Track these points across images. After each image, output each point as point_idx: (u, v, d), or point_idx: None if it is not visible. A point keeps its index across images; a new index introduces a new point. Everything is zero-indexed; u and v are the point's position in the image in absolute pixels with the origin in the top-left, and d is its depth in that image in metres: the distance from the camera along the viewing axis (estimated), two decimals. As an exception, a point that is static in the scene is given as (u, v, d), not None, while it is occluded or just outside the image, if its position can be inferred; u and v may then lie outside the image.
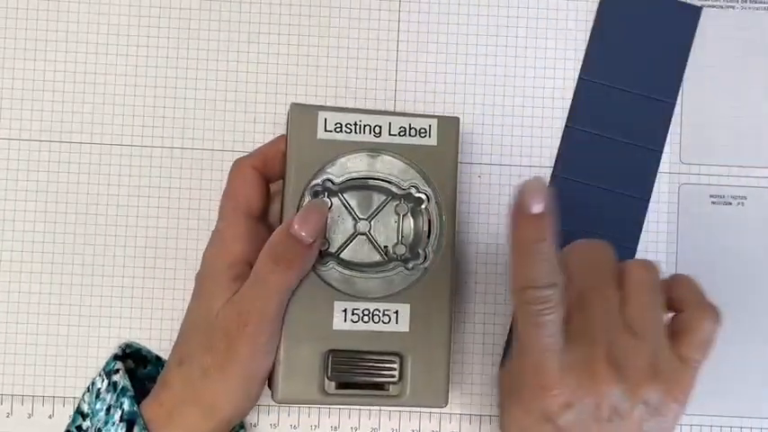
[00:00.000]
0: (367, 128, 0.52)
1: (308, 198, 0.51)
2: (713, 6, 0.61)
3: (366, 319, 0.51)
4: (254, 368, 0.50)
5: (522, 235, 0.45)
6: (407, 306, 0.52)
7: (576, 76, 0.61)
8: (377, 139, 0.52)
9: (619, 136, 0.60)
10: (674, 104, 0.60)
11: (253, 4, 0.60)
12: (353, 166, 0.52)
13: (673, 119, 0.60)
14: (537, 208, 0.44)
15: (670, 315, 0.50)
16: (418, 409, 0.59)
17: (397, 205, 0.53)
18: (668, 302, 0.49)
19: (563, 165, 0.60)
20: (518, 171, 0.60)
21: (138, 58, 0.60)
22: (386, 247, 0.53)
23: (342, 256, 0.52)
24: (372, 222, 0.53)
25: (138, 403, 0.51)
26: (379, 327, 0.52)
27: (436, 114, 0.53)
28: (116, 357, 0.55)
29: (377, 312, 0.52)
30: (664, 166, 0.60)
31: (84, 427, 0.54)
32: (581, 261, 0.49)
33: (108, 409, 0.52)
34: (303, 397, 0.51)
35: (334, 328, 0.51)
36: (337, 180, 0.52)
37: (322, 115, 0.52)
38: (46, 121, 0.59)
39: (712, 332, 0.48)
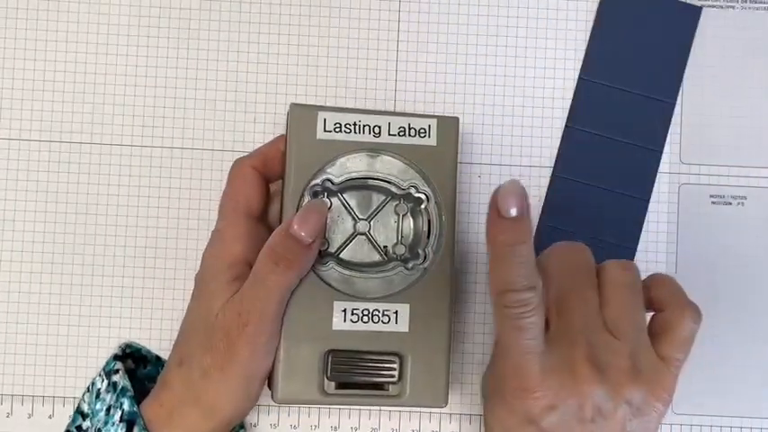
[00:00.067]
0: (366, 128, 0.52)
1: (307, 198, 0.51)
2: (713, 6, 0.61)
3: (366, 319, 0.51)
4: (253, 368, 0.50)
5: (499, 238, 0.45)
6: (407, 306, 0.52)
7: (576, 76, 0.61)
8: (376, 140, 0.52)
9: (619, 136, 0.60)
10: (674, 104, 0.60)
11: (253, 4, 0.60)
12: (353, 166, 0.52)
13: (673, 119, 0.60)
14: (514, 211, 0.44)
15: (650, 315, 0.50)
16: (418, 409, 0.59)
17: (396, 205, 0.53)
18: (648, 302, 0.50)
19: (563, 165, 0.60)
20: (518, 171, 0.60)
21: (138, 58, 0.60)
22: (385, 247, 0.53)
23: (341, 256, 0.52)
24: (372, 222, 0.53)
25: (138, 403, 0.51)
26: (379, 327, 0.52)
27: (436, 114, 0.53)
28: (116, 357, 0.55)
29: (376, 312, 0.52)
30: (664, 166, 0.60)
31: (84, 427, 0.54)
32: (560, 264, 0.50)
33: (108, 410, 0.52)
34: (303, 397, 0.51)
35: (333, 328, 0.51)
36: (337, 180, 0.52)
37: (321, 115, 0.52)
38: (46, 121, 0.59)
39: (693, 331, 0.48)
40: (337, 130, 0.52)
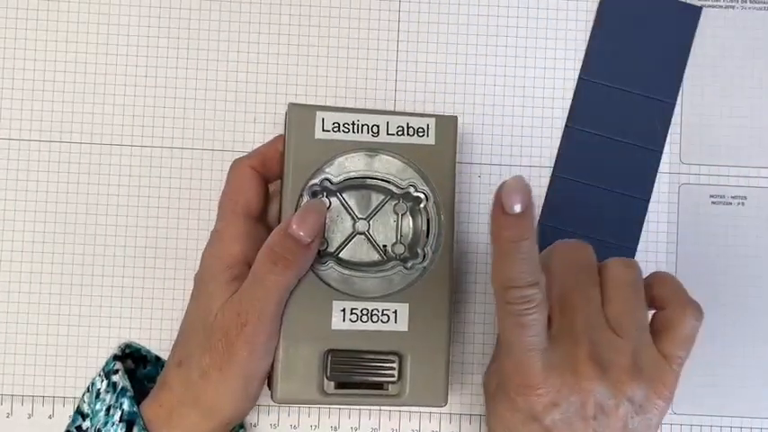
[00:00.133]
0: (365, 127, 0.52)
1: (306, 198, 0.51)
2: (713, 6, 0.61)
3: (365, 318, 0.51)
4: (253, 368, 0.50)
5: (503, 234, 0.45)
6: (406, 305, 0.52)
7: (576, 76, 0.61)
8: (375, 139, 0.52)
9: (619, 136, 0.60)
10: (674, 104, 0.60)
11: (253, 4, 0.60)
12: (352, 165, 0.52)
13: (673, 119, 0.60)
14: (518, 207, 0.44)
15: (652, 313, 0.50)
16: (418, 408, 0.59)
17: (395, 204, 0.53)
18: (650, 300, 0.50)
19: (563, 165, 0.60)
20: (518, 171, 0.60)
21: (138, 58, 0.60)
22: (384, 246, 0.53)
23: (340, 255, 0.52)
24: (371, 222, 0.53)
25: (138, 403, 0.51)
26: (378, 326, 0.52)
27: (434, 113, 0.53)
28: (116, 357, 0.55)
29: (376, 312, 0.52)
30: (664, 166, 0.60)
31: (84, 428, 0.54)
32: (562, 261, 0.50)
33: (108, 410, 0.52)
34: (302, 397, 0.51)
35: (333, 327, 0.51)
36: (335, 180, 0.52)
37: (320, 115, 0.52)
38: (46, 121, 0.59)
39: (694, 328, 0.48)
40: (336, 129, 0.52)
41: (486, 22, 0.61)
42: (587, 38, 0.61)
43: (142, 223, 0.59)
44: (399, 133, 0.52)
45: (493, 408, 0.49)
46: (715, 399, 0.59)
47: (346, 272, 0.52)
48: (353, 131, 0.52)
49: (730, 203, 0.60)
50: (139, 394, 0.52)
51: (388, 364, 0.52)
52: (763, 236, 0.60)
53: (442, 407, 0.53)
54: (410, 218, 0.53)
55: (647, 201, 0.60)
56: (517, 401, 0.47)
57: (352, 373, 0.52)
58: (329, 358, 0.51)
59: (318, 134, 0.52)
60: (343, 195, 0.53)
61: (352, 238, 0.53)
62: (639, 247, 0.60)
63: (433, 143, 0.53)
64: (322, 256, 0.51)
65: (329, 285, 0.51)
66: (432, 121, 0.53)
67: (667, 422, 0.59)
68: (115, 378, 0.53)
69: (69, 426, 0.54)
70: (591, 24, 0.61)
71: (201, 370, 0.50)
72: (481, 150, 0.60)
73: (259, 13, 0.60)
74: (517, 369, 0.47)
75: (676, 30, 0.60)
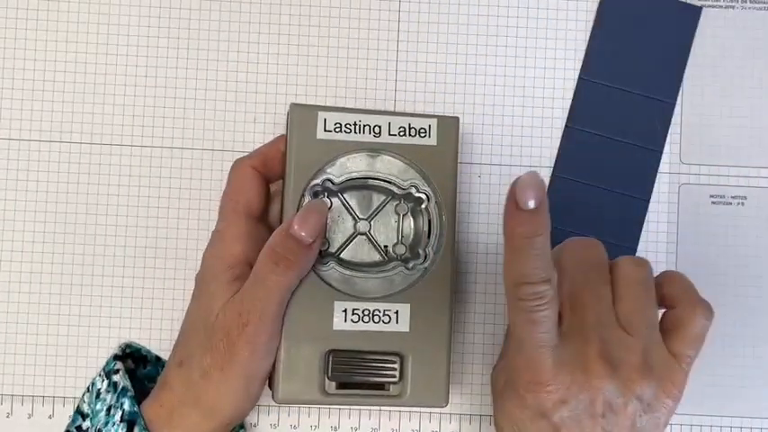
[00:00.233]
0: (367, 128, 0.52)
1: (307, 198, 0.51)
2: (713, 6, 0.61)
3: (366, 319, 0.51)
4: (254, 368, 0.50)
5: (516, 230, 0.45)
6: (407, 306, 0.52)
7: (576, 76, 0.61)
8: (377, 139, 0.52)
9: (619, 136, 0.60)
10: (674, 104, 0.60)
11: (253, 4, 0.60)
12: (353, 165, 0.52)
13: (673, 119, 0.60)
14: (531, 203, 0.43)
15: (662, 311, 0.50)
16: (418, 409, 0.59)
17: (397, 205, 0.53)
18: (660, 299, 0.50)
19: (563, 165, 0.60)
20: (518, 171, 0.60)
21: (138, 58, 0.60)
22: (386, 246, 0.53)
23: (342, 256, 0.52)
24: (372, 222, 0.53)
25: (139, 403, 0.51)
26: (380, 327, 0.52)
27: (436, 114, 0.53)
28: (116, 357, 0.55)
29: (377, 312, 0.52)
30: (664, 166, 0.60)
31: (85, 428, 0.54)
32: (573, 259, 0.50)
33: (108, 410, 0.52)
34: (303, 397, 0.51)
35: (334, 328, 0.51)
36: (337, 180, 0.52)
37: (322, 115, 0.52)
38: (46, 121, 0.59)
39: (704, 328, 0.49)
40: (337, 129, 0.52)
41: (486, 22, 0.61)
42: (587, 38, 0.61)
43: (142, 223, 0.59)
44: (401, 134, 0.52)
45: (501, 405, 0.49)
46: (715, 399, 0.59)
47: (347, 272, 0.52)
48: (355, 132, 0.52)
49: (730, 203, 0.60)
50: (140, 394, 0.52)
51: (389, 365, 0.52)
52: (763, 236, 0.60)
53: (442, 407, 0.53)
54: (411, 218, 0.53)
55: (647, 201, 0.60)
56: (526, 398, 0.47)
57: (354, 373, 0.52)
58: (330, 358, 0.51)
59: (320, 134, 0.52)
60: (345, 196, 0.53)
61: (354, 238, 0.53)
62: (639, 247, 0.60)
63: (435, 144, 0.53)
64: (323, 256, 0.51)
65: (330, 286, 0.51)
66: (433, 122, 0.53)
67: (667, 422, 0.59)
68: (116, 378, 0.53)
69: (69, 426, 0.54)
70: (591, 24, 0.61)
71: (202, 370, 0.50)
72: (481, 150, 0.60)
73: (259, 13, 0.60)
74: (527, 365, 0.47)
75: (676, 30, 0.61)
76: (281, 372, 0.51)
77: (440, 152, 0.53)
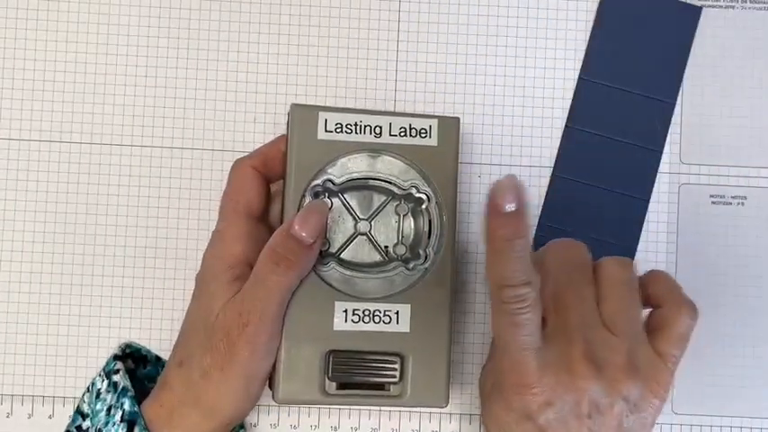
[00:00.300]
0: (367, 128, 0.52)
1: (308, 198, 0.51)
2: (713, 6, 0.61)
3: (367, 319, 0.51)
4: (254, 368, 0.50)
5: (497, 233, 0.45)
6: (408, 306, 0.52)
7: (576, 76, 0.61)
8: (377, 140, 0.52)
9: (619, 136, 0.60)
10: (674, 104, 0.60)
11: (253, 4, 0.60)
12: (354, 166, 0.52)
13: (673, 119, 0.60)
14: (510, 206, 0.44)
15: (647, 311, 0.50)
16: (419, 409, 0.59)
17: (397, 205, 0.53)
18: (645, 298, 0.50)
19: (563, 165, 0.60)
20: (518, 171, 0.60)
21: (138, 58, 0.60)
22: (386, 247, 0.53)
23: (342, 256, 0.52)
24: (373, 222, 0.53)
25: (139, 403, 0.51)
26: (380, 327, 0.52)
27: (436, 114, 0.53)
28: (116, 357, 0.55)
29: (377, 313, 0.52)
30: (664, 166, 0.60)
31: (85, 428, 0.54)
32: (556, 260, 0.50)
33: (108, 410, 0.52)
34: (304, 397, 0.51)
35: (334, 328, 0.51)
36: (338, 180, 0.52)
37: (322, 116, 0.52)
38: (46, 121, 0.59)
39: (689, 327, 0.49)
40: (338, 130, 0.52)
41: (486, 22, 0.61)
42: (587, 38, 0.61)
43: (142, 223, 0.59)
44: (402, 134, 0.52)
45: (488, 407, 0.49)
46: (715, 399, 0.59)
47: (348, 272, 0.52)
48: (356, 132, 0.52)
49: (730, 203, 0.60)
50: (140, 394, 0.52)
51: (389, 365, 0.52)
52: (763, 236, 0.60)
53: (442, 407, 0.53)
54: (412, 219, 0.53)
55: (647, 201, 0.60)
56: (512, 401, 0.47)
57: (354, 373, 0.52)
58: (331, 359, 0.51)
59: (321, 135, 0.52)
60: (345, 196, 0.53)
61: (354, 238, 0.53)
62: (639, 247, 0.60)
63: (436, 144, 0.53)
64: (324, 256, 0.51)
65: (331, 286, 0.51)
66: (434, 123, 0.53)
67: (667, 422, 0.59)
68: (116, 378, 0.53)
69: (69, 426, 0.54)
70: (591, 24, 0.61)
71: (203, 370, 0.50)
72: (481, 150, 0.60)
73: (259, 13, 0.60)
74: (512, 368, 0.47)
75: (676, 30, 0.61)
76: (281, 372, 0.51)
77: (440, 153, 0.53)
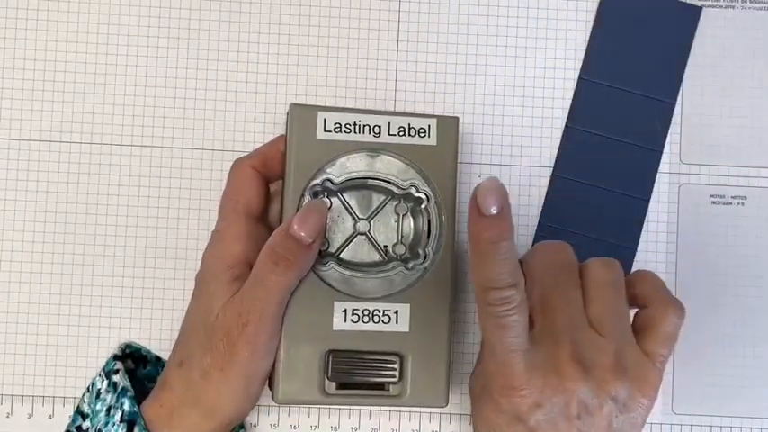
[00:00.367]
0: (366, 128, 0.52)
1: (307, 198, 0.51)
2: (713, 6, 0.61)
3: (366, 319, 0.51)
4: (254, 368, 0.50)
5: (481, 236, 0.45)
6: (407, 306, 0.52)
7: (576, 76, 0.61)
8: (376, 139, 0.52)
9: (619, 136, 0.60)
10: (674, 104, 0.60)
11: (253, 4, 0.60)
12: (353, 166, 0.52)
13: (673, 119, 0.60)
14: (494, 209, 0.44)
15: (634, 311, 0.50)
16: (418, 409, 0.59)
17: (396, 205, 0.53)
18: (632, 299, 0.50)
19: (563, 165, 0.60)
20: (518, 171, 0.60)
21: (138, 58, 0.60)
22: (386, 246, 0.53)
23: (341, 256, 0.52)
24: (372, 222, 0.53)
25: (138, 403, 0.51)
26: (379, 327, 0.52)
27: (436, 114, 0.53)
28: (116, 357, 0.55)
29: (377, 312, 0.52)
30: (664, 166, 0.60)
31: (85, 428, 0.54)
32: (542, 263, 0.50)
33: (108, 410, 0.52)
34: (303, 397, 0.51)
35: (334, 328, 0.51)
36: (337, 180, 0.52)
37: (321, 115, 0.52)
38: (46, 121, 0.59)
39: (676, 326, 0.49)
40: (337, 130, 0.52)
41: (486, 22, 0.61)
42: (587, 38, 0.61)
43: (142, 223, 0.59)
44: (401, 134, 0.52)
45: (478, 410, 0.50)
46: (715, 399, 0.59)
47: (347, 272, 0.52)
48: (355, 132, 0.52)
49: (730, 203, 0.60)
50: (140, 394, 0.52)
51: (389, 365, 0.52)
52: (763, 236, 0.60)
53: (442, 407, 0.53)
54: (411, 218, 0.53)
55: (647, 201, 0.60)
56: (501, 403, 0.47)
57: (354, 373, 0.52)
58: (330, 359, 0.51)
59: (320, 134, 0.52)
60: (345, 196, 0.53)
61: (353, 238, 0.53)
62: (639, 247, 0.60)
63: (435, 144, 0.53)
64: (323, 256, 0.51)
65: (330, 286, 0.51)
66: (433, 122, 0.53)
67: (667, 422, 0.59)
68: (116, 378, 0.53)
69: (69, 426, 0.54)
70: (591, 24, 0.61)
71: (202, 370, 0.50)
72: (481, 150, 0.60)
73: (259, 13, 0.60)
74: (500, 370, 0.47)
75: (676, 30, 0.60)
76: (280, 372, 0.51)
77: (439, 152, 0.53)
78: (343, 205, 0.53)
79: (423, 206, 0.52)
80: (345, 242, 0.53)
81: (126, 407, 0.51)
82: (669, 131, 0.60)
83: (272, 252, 0.49)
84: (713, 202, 0.60)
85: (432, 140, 0.53)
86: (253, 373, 0.50)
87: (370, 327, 0.51)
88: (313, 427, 0.59)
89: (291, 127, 0.52)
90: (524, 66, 0.61)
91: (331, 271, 0.51)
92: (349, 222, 0.53)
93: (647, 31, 0.60)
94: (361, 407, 0.59)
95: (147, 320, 0.59)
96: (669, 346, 0.49)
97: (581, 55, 0.61)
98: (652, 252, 0.60)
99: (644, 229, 0.60)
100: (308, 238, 0.49)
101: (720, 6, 0.61)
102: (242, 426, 0.57)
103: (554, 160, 0.60)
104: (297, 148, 0.52)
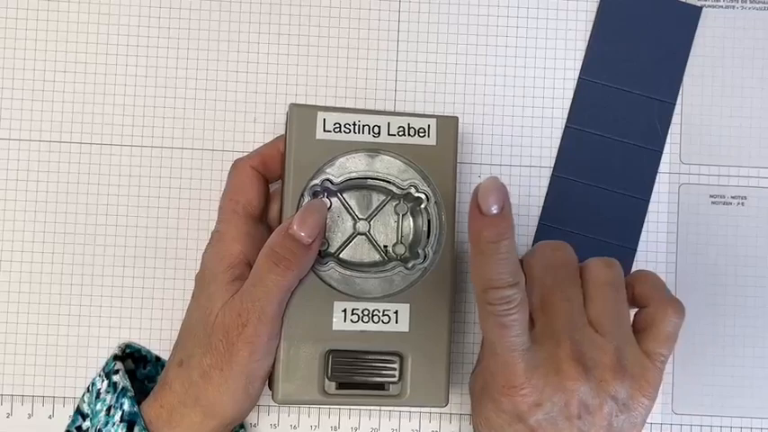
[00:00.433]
0: (366, 128, 0.52)
1: (307, 198, 0.51)
2: (713, 6, 0.61)
3: (366, 319, 0.51)
4: (253, 369, 0.50)
5: (481, 235, 0.45)
6: (407, 306, 0.52)
7: (576, 76, 0.61)
8: (376, 139, 0.52)
9: (619, 136, 0.60)
10: (674, 104, 0.60)
11: (253, 4, 0.60)
12: (353, 165, 0.52)
13: (673, 119, 0.60)
14: (495, 208, 0.44)
15: (634, 311, 0.50)
16: (418, 408, 0.59)
17: (396, 205, 0.53)
18: (632, 298, 0.50)
19: (563, 165, 0.60)
20: (518, 171, 0.60)
21: (138, 58, 0.60)
22: (385, 246, 0.53)
23: (341, 256, 0.52)
24: (372, 222, 0.53)
25: (138, 404, 0.51)
26: (379, 327, 0.52)
27: (435, 114, 0.53)
28: (116, 357, 0.55)
29: (377, 312, 0.52)
30: (664, 166, 0.60)
31: (84, 428, 0.54)
32: (542, 262, 0.50)
33: (108, 410, 0.52)
34: (303, 397, 0.51)
35: (333, 328, 0.51)
36: (336, 180, 0.52)
37: (321, 115, 0.52)
38: (46, 121, 0.59)
39: (676, 326, 0.49)
40: (337, 130, 0.52)
41: (486, 22, 0.61)
42: (587, 38, 0.61)
43: (142, 223, 0.59)
44: (400, 134, 0.52)
45: (479, 410, 0.50)
46: (715, 399, 0.59)
47: (347, 272, 0.52)
48: (354, 132, 0.52)
49: (730, 203, 0.60)
50: (139, 394, 0.52)
51: (388, 365, 0.52)
52: (763, 236, 0.60)
53: (442, 407, 0.53)
54: (411, 218, 0.53)
55: (647, 201, 0.60)
56: (502, 402, 0.47)
57: (353, 373, 0.52)
58: (330, 359, 0.51)
59: (319, 134, 0.52)
60: (344, 196, 0.53)
61: (353, 238, 0.53)
62: (639, 247, 0.60)
63: (434, 144, 0.53)
64: (323, 256, 0.51)
65: (330, 286, 0.51)
66: (432, 122, 0.53)
67: (667, 422, 0.59)
68: (115, 378, 0.53)
69: (69, 426, 0.54)
70: (591, 24, 0.61)
71: (202, 370, 0.50)
72: (481, 150, 0.60)
73: (259, 13, 0.60)
74: (500, 369, 0.47)
75: (676, 30, 0.60)
76: (280, 372, 0.51)
77: (439, 152, 0.53)
78: (343, 205, 0.53)
79: (422, 206, 0.52)
80: (345, 242, 0.53)
81: (126, 407, 0.51)
82: (669, 131, 0.60)
83: (271, 252, 0.49)
84: (713, 202, 0.60)
85: (431, 140, 0.53)
86: (252, 373, 0.50)
87: (370, 327, 0.51)
88: (313, 427, 0.59)
89: (291, 127, 0.52)
90: (524, 66, 0.61)
91: (331, 271, 0.51)
92: (349, 222, 0.53)
93: (647, 31, 0.60)
94: (361, 407, 0.59)
95: (147, 320, 0.59)
96: (669, 345, 0.49)
97: (581, 55, 0.61)
98: (652, 252, 0.60)
99: (644, 229, 0.60)
100: (308, 238, 0.49)
101: (720, 6, 0.61)
102: (242, 426, 0.57)
103: (554, 160, 0.60)
104: (296, 148, 0.52)
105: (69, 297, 0.59)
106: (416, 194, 0.52)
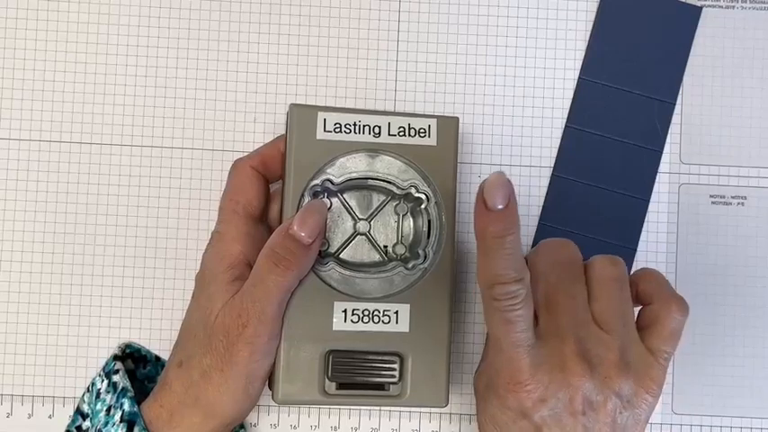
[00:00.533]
0: (366, 128, 0.52)
1: (307, 198, 0.51)
2: (713, 6, 0.61)
3: (366, 319, 0.51)
4: (253, 369, 0.50)
5: (487, 230, 0.45)
6: (407, 306, 0.52)
7: (576, 76, 0.61)
8: (376, 140, 0.52)
9: (619, 136, 0.60)
10: (674, 104, 0.60)
11: (253, 4, 0.60)
12: (353, 166, 0.52)
13: (673, 119, 0.60)
14: (501, 204, 0.44)
15: (638, 308, 0.50)
16: (418, 409, 0.59)
17: (396, 205, 0.53)
18: (636, 296, 0.51)
19: (563, 165, 0.60)
20: (518, 171, 0.60)
21: (138, 58, 0.60)
22: (385, 247, 0.53)
23: (341, 256, 0.52)
24: (372, 222, 0.53)
25: (138, 404, 0.51)
26: (379, 327, 0.52)
27: (435, 114, 0.53)
28: (115, 357, 0.55)
29: (377, 313, 0.52)
30: (664, 166, 0.60)
31: (84, 428, 0.54)
32: (547, 260, 0.50)
33: (108, 410, 0.52)
34: (303, 398, 0.51)
35: (334, 328, 0.51)
36: (337, 180, 0.52)
37: (321, 115, 0.52)
38: (46, 121, 0.59)
39: (680, 323, 0.49)
40: (337, 130, 0.52)
41: (486, 22, 0.61)
42: (587, 38, 0.61)
43: (142, 223, 0.59)
44: (401, 134, 0.52)
45: (483, 407, 0.50)
46: (715, 399, 0.59)
47: (347, 272, 0.52)
48: (355, 132, 0.52)
49: (730, 203, 0.60)
50: (139, 394, 0.52)
51: (389, 365, 0.52)
52: (763, 236, 0.60)
53: (442, 407, 0.53)
54: (411, 218, 0.53)
55: (647, 201, 0.60)
56: (507, 399, 0.47)
57: (354, 373, 0.52)
58: (330, 359, 0.51)
59: (320, 135, 0.52)
60: (345, 196, 0.53)
61: (353, 238, 0.53)
62: (639, 247, 0.60)
63: (435, 144, 0.53)
64: (323, 256, 0.51)
65: (330, 286, 0.51)
66: (433, 122, 0.53)
67: (667, 422, 0.59)
68: (115, 378, 0.53)
69: (69, 426, 0.54)
70: (591, 24, 0.61)
71: (202, 370, 0.50)
72: (481, 150, 0.60)
73: (259, 13, 0.60)
74: (505, 366, 0.47)
75: (676, 30, 0.60)
76: (280, 372, 0.51)
77: (439, 152, 0.53)
78: (343, 205, 0.53)
79: (423, 206, 0.52)
80: (345, 242, 0.53)
81: (126, 407, 0.51)
82: (669, 131, 0.60)
83: (271, 252, 0.49)
84: (713, 202, 0.60)
85: (432, 140, 0.53)
86: (252, 374, 0.50)
87: (370, 327, 0.51)
88: (313, 427, 0.59)
89: (291, 127, 0.52)
90: (524, 66, 0.61)
91: (331, 271, 0.51)
92: (349, 222, 0.53)
93: (646, 31, 0.60)
94: (361, 407, 0.59)
95: (147, 320, 0.59)
96: (673, 343, 0.49)
97: (581, 55, 0.61)
98: (652, 252, 0.60)
99: (644, 229, 0.60)
100: (308, 239, 0.49)
101: (720, 6, 0.61)
102: (242, 426, 0.57)
103: (554, 160, 0.60)
104: (297, 149, 0.52)
105: (69, 297, 0.59)
106: (417, 195, 0.52)
